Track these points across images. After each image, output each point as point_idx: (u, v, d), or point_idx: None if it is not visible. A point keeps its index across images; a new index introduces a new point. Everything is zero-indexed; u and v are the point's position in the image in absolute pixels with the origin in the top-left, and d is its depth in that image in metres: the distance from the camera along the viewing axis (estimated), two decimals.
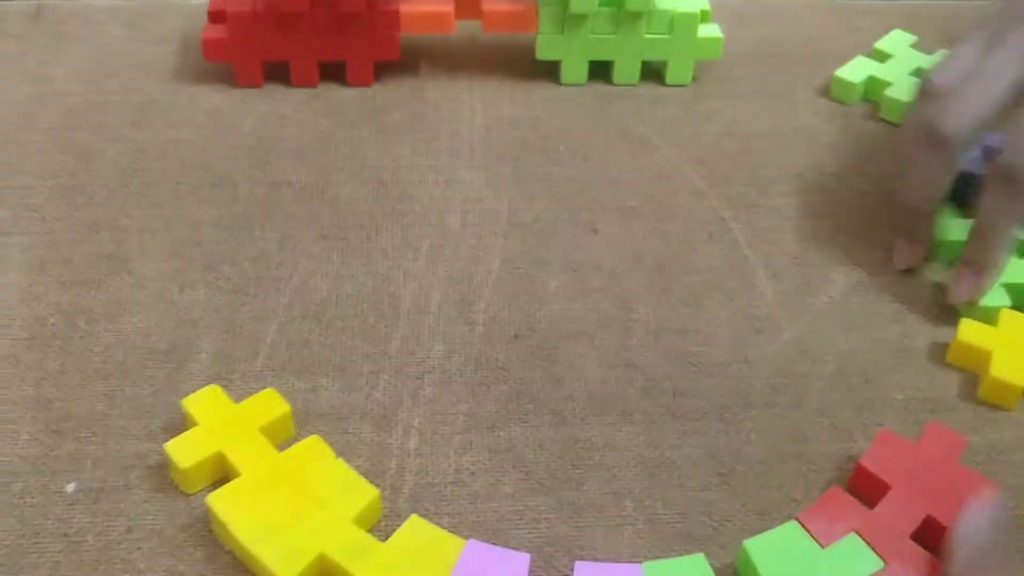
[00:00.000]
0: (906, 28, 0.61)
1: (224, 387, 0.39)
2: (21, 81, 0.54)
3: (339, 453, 0.37)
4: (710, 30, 0.56)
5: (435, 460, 0.38)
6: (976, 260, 0.43)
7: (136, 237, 0.46)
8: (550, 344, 0.42)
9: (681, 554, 0.35)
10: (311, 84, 0.55)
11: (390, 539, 0.34)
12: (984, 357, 0.41)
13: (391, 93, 0.55)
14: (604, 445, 0.39)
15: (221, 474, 0.36)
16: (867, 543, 0.34)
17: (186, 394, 0.38)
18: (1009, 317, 0.43)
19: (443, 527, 0.35)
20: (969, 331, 0.42)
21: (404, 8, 0.53)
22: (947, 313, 0.44)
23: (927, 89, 0.43)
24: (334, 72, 0.55)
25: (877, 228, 0.49)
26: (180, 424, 0.38)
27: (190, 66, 0.56)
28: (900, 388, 0.41)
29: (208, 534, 0.35)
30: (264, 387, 0.39)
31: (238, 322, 0.42)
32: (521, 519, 0.36)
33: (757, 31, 0.62)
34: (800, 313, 0.44)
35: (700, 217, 0.49)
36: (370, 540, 0.34)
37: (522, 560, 0.33)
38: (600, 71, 0.57)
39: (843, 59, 0.58)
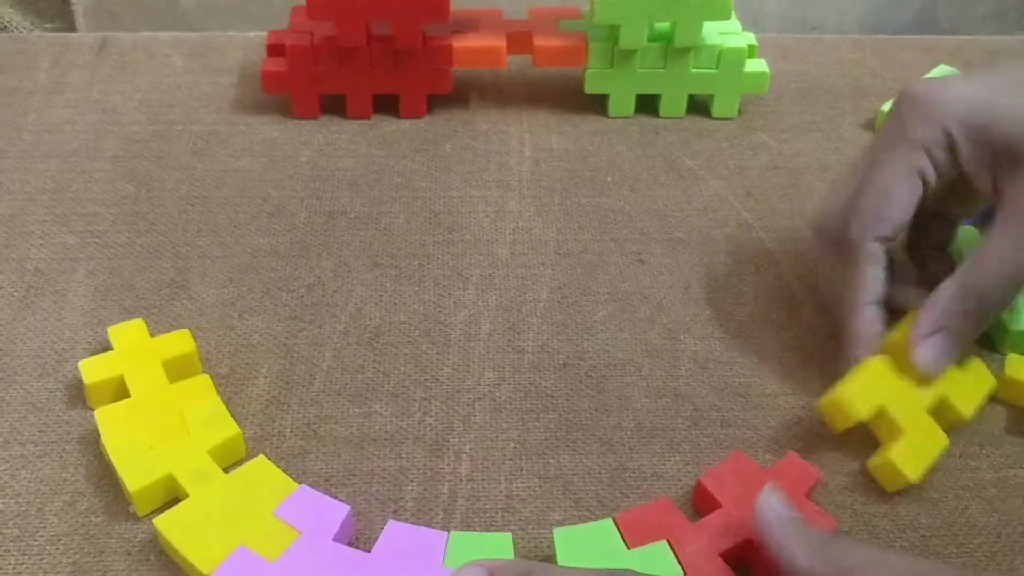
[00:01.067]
0: (950, 63, 0.61)
1: (281, 411, 0.40)
2: (87, 111, 0.56)
3: (393, 478, 0.38)
4: (756, 65, 0.57)
5: (486, 486, 0.39)
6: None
7: (197, 264, 0.47)
8: (598, 373, 0.43)
9: None
10: (365, 116, 0.57)
11: (232, 472, 0.37)
12: None
13: (442, 125, 0.57)
14: (652, 474, 0.39)
15: (121, 396, 0.40)
16: (675, 553, 0.34)
17: (245, 418, 0.40)
18: None
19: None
20: (1016, 366, 0.42)
21: (457, 43, 0.55)
22: (992, 347, 0.44)
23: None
24: (388, 104, 0.57)
25: None
26: (237, 443, 0.39)
27: (248, 98, 0.58)
28: None
29: None
30: (322, 412, 0.41)
31: (295, 348, 0.43)
32: None
33: (802, 66, 0.63)
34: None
35: (747, 249, 0.49)
36: (215, 469, 0.37)
37: (341, 510, 0.36)
38: (647, 104, 0.58)
39: (887, 94, 0.59)
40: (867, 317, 0.41)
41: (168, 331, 0.43)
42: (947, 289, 0.39)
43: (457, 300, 0.46)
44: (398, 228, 0.50)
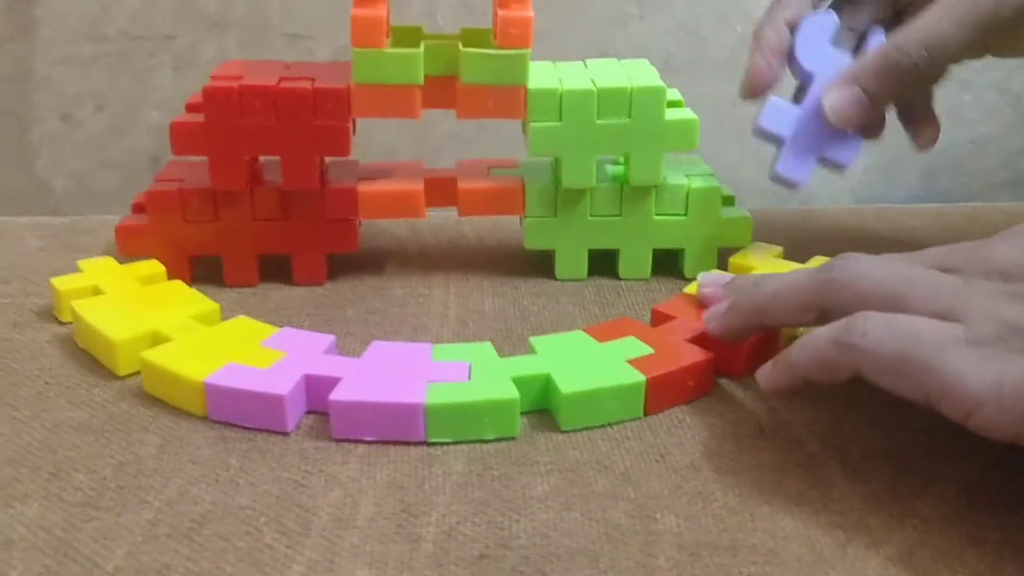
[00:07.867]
0: (961, 227, 0.51)
1: None
2: None
3: None
4: (735, 211, 0.46)
5: None
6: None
7: None
8: (531, 567, 0.28)
9: None
10: (249, 283, 0.45)
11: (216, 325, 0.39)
12: None
13: (347, 292, 0.45)
14: None
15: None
16: (642, 342, 0.37)
17: None
18: None
19: None
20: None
21: (363, 188, 0.44)
22: None
23: None
24: (278, 267, 0.45)
25: None
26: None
27: None
28: None
29: None
30: None
31: (73, 544, 0.29)
32: None
33: (791, 233, 0.53)
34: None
35: (742, 411, 0.36)
36: (199, 325, 0.38)
37: (325, 339, 0.37)
38: (604, 264, 0.47)
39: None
40: (778, 29, 0.43)
41: None
42: (869, 53, 0.42)
43: (330, 476, 0.32)
44: None
